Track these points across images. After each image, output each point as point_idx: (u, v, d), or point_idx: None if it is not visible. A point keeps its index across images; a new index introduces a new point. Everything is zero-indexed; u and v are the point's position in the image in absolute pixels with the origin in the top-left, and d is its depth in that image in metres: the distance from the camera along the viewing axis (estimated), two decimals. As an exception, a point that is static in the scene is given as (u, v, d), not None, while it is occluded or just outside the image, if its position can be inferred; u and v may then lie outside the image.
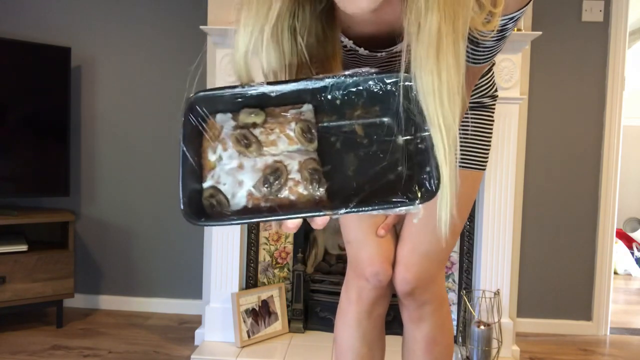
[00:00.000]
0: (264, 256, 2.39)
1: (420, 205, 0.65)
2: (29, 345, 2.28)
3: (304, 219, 0.65)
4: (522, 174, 2.35)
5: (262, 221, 0.65)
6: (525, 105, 2.35)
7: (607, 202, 2.60)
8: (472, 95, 1.13)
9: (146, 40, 2.71)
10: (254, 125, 0.68)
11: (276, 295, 2.34)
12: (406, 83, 0.68)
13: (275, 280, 2.39)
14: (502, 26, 0.78)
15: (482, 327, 2.10)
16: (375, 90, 0.69)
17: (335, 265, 2.49)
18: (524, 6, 0.76)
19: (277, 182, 0.64)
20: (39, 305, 2.43)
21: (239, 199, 0.65)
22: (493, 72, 1.17)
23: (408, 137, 0.68)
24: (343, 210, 0.63)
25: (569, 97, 2.59)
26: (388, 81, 0.68)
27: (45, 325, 2.52)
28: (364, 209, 0.63)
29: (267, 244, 2.39)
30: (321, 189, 0.65)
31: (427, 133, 0.66)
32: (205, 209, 0.66)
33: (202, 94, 0.69)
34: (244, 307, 2.23)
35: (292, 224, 0.65)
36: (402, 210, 0.65)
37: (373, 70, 0.69)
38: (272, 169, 0.65)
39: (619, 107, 2.57)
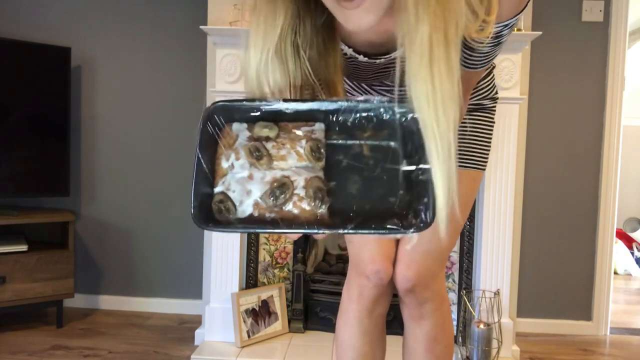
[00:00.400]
0: (264, 256, 2.39)
1: (413, 232, 0.68)
2: (29, 345, 2.28)
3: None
4: (522, 174, 2.35)
5: (267, 232, 0.69)
6: (525, 105, 2.35)
7: (607, 202, 2.60)
8: (472, 98, 1.14)
9: (146, 40, 2.71)
10: (267, 138, 0.72)
11: (276, 295, 2.34)
12: (415, 115, 0.71)
13: (275, 280, 2.39)
14: (497, 33, 0.79)
15: (482, 327, 2.10)
16: (386, 117, 0.73)
17: (335, 265, 2.49)
18: (518, 13, 0.78)
19: (282, 195, 0.69)
20: (39, 305, 2.43)
21: (246, 207, 0.69)
22: (493, 75, 1.18)
23: (411, 168, 0.71)
24: (342, 231, 0.67)
25: (569, 97, 2.59)
26: (398, 111, 0.72)
27: (45, 325, 2.52)
28: (360, 231, 0.68)
29: (267, 244, 2.39)
30: (323, 207, 0.69)
31: (428, 166, 0.69)
32: (214, 212, 0.69)
33: (221, 104, 0.73)
34: (244, 307, 2.23)
35: (294, 235, 0.69)
36: (396, 236, 0.68)
37: (385, 98, 0.72)
38: (280, 183, 0.69)
39: (619, 107, 2.57)
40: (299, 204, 0.68)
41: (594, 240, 2.63)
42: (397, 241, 1.22)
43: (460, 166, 1.15)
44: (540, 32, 2.15)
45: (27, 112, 2.52)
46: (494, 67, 1.19)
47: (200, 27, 2.20)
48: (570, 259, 2.64)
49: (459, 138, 1.14)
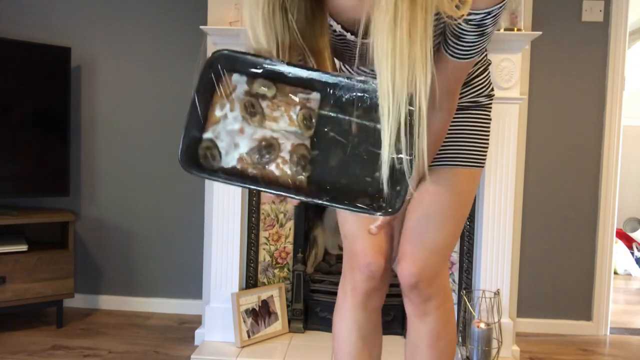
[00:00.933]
0: (264, 256, 2.39)
1: (380, 216, 0.71)
2: (29, 345, 2.28)
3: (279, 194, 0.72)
4: (522, 173, 2.35)
5: (245, 187, 0.72)
6: (525, 105, 2.35)
7: (607, 202, 2.60)
8: (468, 94, 1.16)
9: (146, 40, 2.71)
10: (264, 97, 0.74)
11: (276, 295, 2.34)
12: (409, 108, 0.72)
13: (275, 280, 2.39)
14: (480, 20, 0.81)
15: (482, 327, 2.10)
16: (378, 102, 0.74)
17: (335, 265, 2.49)
18: (500, 4, 0.79)
19: (268, 155, 0.72)
20: (39, 305, 2.43)
21: (231, 159, 0.72)
22: (489, 72, 1.19)
23: (392, 155, 0.73)
24: (316, 201, 0.70)
25: (569, 97, 2.59)
26: None
27: (45, 325, 2.52)
28: (333, 204, 0.70)
29: (267, 244, 2.39)
30: (304, 174, 0.72)
31: (409, 157, 0.71)
32: (199, 157, 0.72)
33: (225, 52, 0.75)
34: (244, 307, 2.23)
35: (270, 195, 0.72)
36: (365, 215, 0.72)
37: None
38: (268, 143, 0.72)
39: (619, 107, 2.57)
40: (281, 167, 0.71)
41: (594, 240, 2.63)
42: (391, 237, 1.24)
43: (458, 165, 1.16)
44: (540, 32, 2.15)
45: (27, 112, 2.52)
46: (489, 64, 1.20)
47: (200, 27, 2.20)
48: (570, 259, 2.64)
49: (456, 136, 1.15)
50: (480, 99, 1.17)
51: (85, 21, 2.72)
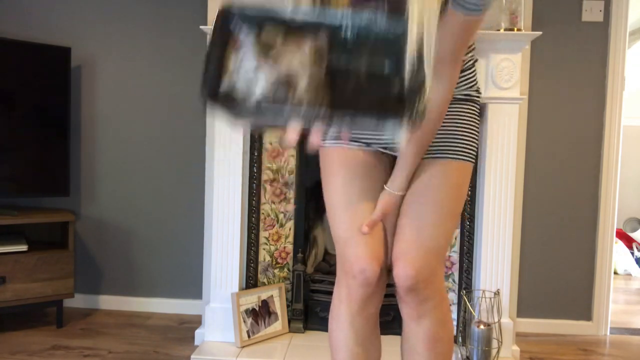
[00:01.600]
0: (264, 256, 2.39)
1: (406, 124, 0.74)
2: (29, 345, 2.28)
3: (304, 135, 0.75)
4: (522, 173, 2.35)
5: (269, 125, 0.77)
6: (525, 105, 2.35)
7: (607, 202, 2.60)
8: (461, 86, 1.18)
9: (146, 40, 2.71)
10: (275, 40, 0.78)
11: (276, 295, 2.34)
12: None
13: (275, 280, 2.39)
14: None
15: (482, 327, 2.10)
16: (386, 32, 0.79)
17: (335, 266, 2.49)
18: None
19: (285, 91, 0.75)
20: (39, 305, 2.43)
21: (249, 102, 0.75)
22: (476, 68, 1.23)
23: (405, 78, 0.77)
24: (339, 119, 0.74)
25: (569, 97, 2.59)
26: (396, 22, 0.78)
27: (45, 325, 2.52)
28: (359, 117, 0.74)
29: (267, 244, 2.39)
30: (323, 106, 0.75)
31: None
32: (220, 102, 0.76)
33: (233, 4, 0.78)
34: (244, 307, 2.23)
35: (293, 135, 0.74)
36: (386, 125, 0.75)
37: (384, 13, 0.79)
38: (283, 80, 0.75)
39: (619, 107, 2.57)
40: (300, 100, 0.74)
41: (594, 240, 2.63)
42: (385, 240, 1.21)
43: (451, 157, 1.17)
44: (540, 32, 2.15)
45: (27, 112, 2.52)
46: (476, 61, 1.22)
47: (200, 27, 2.20)
48: (570, 259, 2.64)
49: (449, 129, 1.17)
50: (472, 93, 1.20)
51: (85, 21, 2.72)
